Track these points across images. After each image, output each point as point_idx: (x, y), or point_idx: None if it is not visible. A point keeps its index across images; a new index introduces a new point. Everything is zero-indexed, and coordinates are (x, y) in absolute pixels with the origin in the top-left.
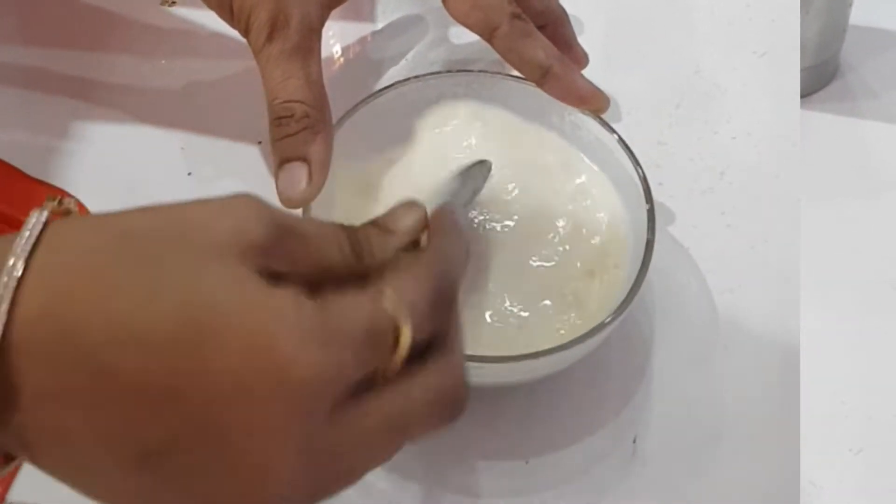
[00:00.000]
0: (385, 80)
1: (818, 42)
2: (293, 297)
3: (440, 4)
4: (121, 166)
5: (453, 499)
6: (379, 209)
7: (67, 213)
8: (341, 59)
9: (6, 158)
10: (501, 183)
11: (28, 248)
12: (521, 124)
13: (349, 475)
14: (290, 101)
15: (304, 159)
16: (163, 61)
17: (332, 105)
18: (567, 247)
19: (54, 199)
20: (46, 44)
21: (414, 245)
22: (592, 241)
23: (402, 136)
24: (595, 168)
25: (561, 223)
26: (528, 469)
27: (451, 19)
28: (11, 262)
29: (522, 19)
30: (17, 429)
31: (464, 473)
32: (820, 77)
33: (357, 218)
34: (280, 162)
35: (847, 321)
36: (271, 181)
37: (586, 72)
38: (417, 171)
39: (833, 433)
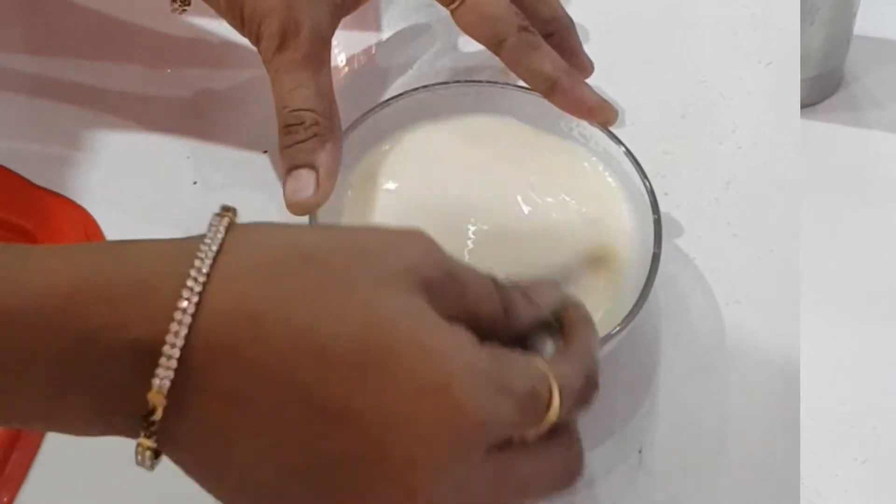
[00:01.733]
0: (392, 89)
1: (823, 52)
2: (469, 339)
3: (447, 13)
4: (127, 175)
5: None
6: (387, 218)
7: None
8: (348, 68)
9: (12, 167)
10: (507, 194)
11: (215, 249)
12: (527, 135)
13: None
14: (299, 110)
15: (313, 166)
16: (168, 70)
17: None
18: (574, 257)
19: (230, 210)
20: (53, 53)
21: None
22: (599, 252)
23: (410, 145)
24: (602, 178)
25: (567, 233)
26: None
27: (457, 28)
28: (199, 262)
29: (530, 31)
30: (186, 423)
31: None
32: (825, 87)
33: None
34: (288, 169)
35: (852, 330)
36: (277, 190)
37: (592, 82)
38: (426, 182)
39: (838, 443)
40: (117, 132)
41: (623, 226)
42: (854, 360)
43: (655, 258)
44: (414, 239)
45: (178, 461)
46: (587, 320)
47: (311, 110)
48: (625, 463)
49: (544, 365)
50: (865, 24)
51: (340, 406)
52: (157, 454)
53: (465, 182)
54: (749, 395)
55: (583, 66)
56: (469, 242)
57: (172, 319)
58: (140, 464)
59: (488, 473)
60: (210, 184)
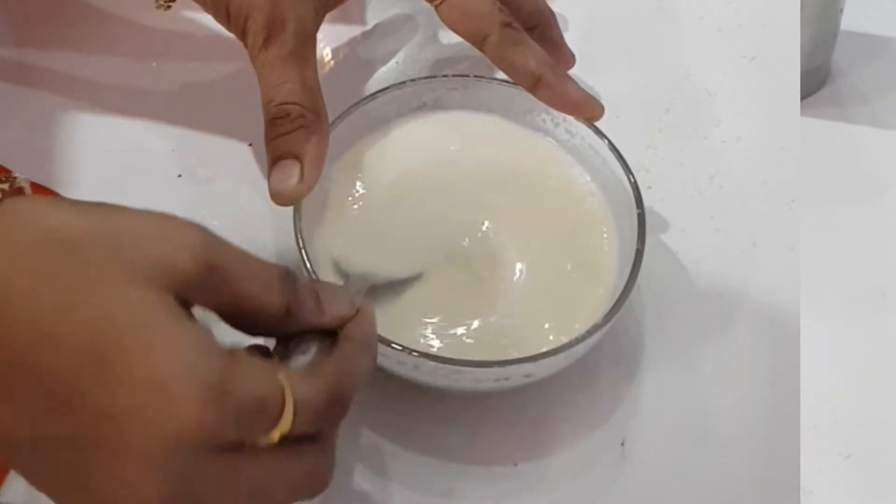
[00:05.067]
0: (377, 82)
1: (809, 47)
2: (201, 340)
3: (425, 4)
4: (112, 167)
5: (440, 502)
6: (368, 215)
7: (20, 191)
8: (332, 62)
9: None
10: (490, 190)
11: None
12: (512, 131)
13: None
14: (285, 104)
15: (297, 157)
16: (154, 63)
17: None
18: (556, 251)
19: (5, 181)
20: (38, 44)
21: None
22: (582, 246)
23: (395, 139)
24: (585, 173)
25: (549, 227)
26: (516, 472)
27: (439, 20)
28: None
29: (513, 27)
30: None
31: (451, 477)
32: (811, 82)
33: (348, 223)
34: (273, 160)
35: (836, 326)
36: (262, 183)
37: (576, 76)
38: (410, 176)
39: (823, 438)
40: (102, 125)
41: (606, 221)
42: (840, 356)
43: (639, 254)
44: (177, 230)
45: None
46: (364, 341)
47: (297, 104)
48: (607, 455)
49: (285, 377)
50: (852, 19)
51: (67, 391)
52: None
53: (449, 176)
54: (729, 387)
55: (564, 58)
56: (451, 236)
57: None
58: None
59: (213, 475)
60: (195, 176)
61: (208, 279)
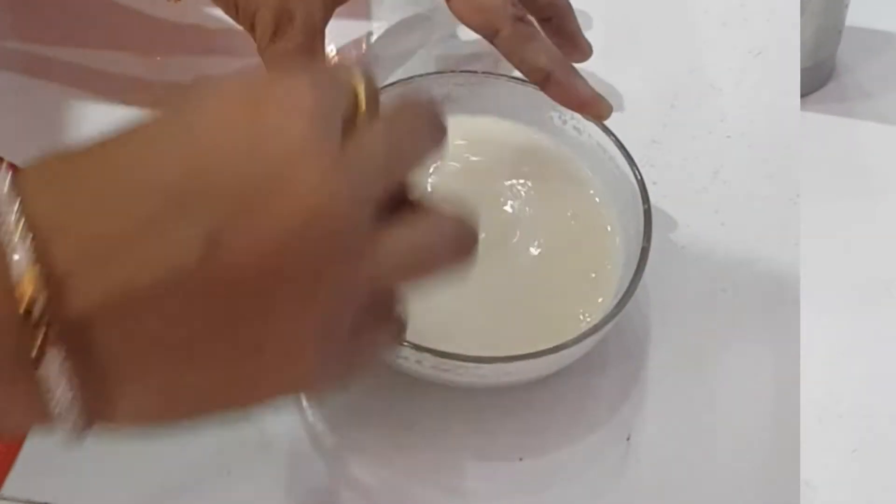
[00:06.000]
0: (384, 78)
1: (814, 43)
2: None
3: (441, 2)
4: None
5: (444, 497)
6: None
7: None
8: (339, 57)
9: (0, 154)
10: (495, 188)
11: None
12: (520, 126)
13: (382, 292)
14: None
15: None
16: (159, 58)
17: None
18: (562, 247)
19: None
20: (43, 39)
21: None
22: (588, 243)
23: None
24: (592, 169)
25: (555, 224)
26: (521, 467)
27: (452, 15)
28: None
29: (525, 22)
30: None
31: (456, 472)
32: (816, 78)
33: None
34: None
35: (842, 321)
36: None
37: (582, 70)
38: None
39: (828, 432)
40: (107, 120)
41: (612, 217)
42: (844, 351)
43: (644, 252)
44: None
45: (92, 372)
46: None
47: None
48: (613, 451)
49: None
50: (857, 15)
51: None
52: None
53: (455, 173)
54: (735, 382)
55: (581, 49)
56: None
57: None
58: (58, 406)
59: (381, 246)
60: None
61: None
